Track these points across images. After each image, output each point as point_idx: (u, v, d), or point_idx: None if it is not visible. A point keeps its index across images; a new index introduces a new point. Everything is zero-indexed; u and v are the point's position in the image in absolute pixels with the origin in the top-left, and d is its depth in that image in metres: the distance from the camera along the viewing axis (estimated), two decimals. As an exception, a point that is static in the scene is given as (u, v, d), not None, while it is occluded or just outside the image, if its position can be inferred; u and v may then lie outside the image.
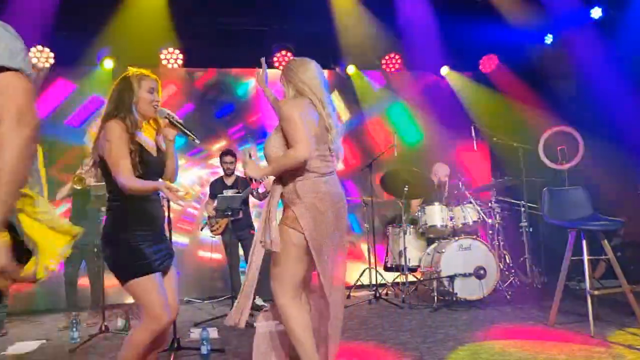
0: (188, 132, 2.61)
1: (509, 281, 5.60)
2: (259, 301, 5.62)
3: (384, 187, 5.86)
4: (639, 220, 5.60)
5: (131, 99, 2.49)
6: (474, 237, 5.42)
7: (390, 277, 6.17)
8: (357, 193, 7.04)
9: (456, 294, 5.12)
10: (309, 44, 6.81)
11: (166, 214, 2.67)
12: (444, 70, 7.50)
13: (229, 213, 4.95)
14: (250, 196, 5.74)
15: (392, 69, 7.27)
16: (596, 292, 3.87)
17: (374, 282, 5.97)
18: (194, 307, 6.12)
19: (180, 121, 2.62)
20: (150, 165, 2.50)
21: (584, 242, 3.85)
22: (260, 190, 5.72)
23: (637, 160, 5.69)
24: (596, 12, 6.32)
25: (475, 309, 5.01)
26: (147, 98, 2.53)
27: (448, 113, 7.56)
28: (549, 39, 6.99)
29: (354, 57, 7.10)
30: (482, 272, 5.19)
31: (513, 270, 5.74)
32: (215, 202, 5.18)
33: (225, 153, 5.81)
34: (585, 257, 3.85)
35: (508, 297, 5.29)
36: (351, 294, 6.08)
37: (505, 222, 5.98)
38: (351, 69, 7.25)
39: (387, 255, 6.13)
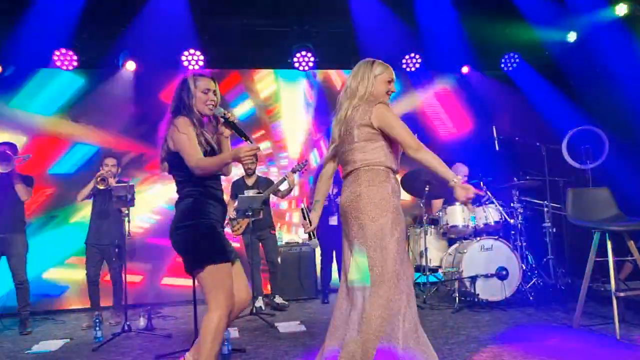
0: (242, 133, 2.72)
1: (531, 282, 5.51)
2: (279, 300, 5.64)
3: (405, 187, 5.83)
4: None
5: (190, 98, 2.68)
6: (496, 237, 5.36)
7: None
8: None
9: (478, 294, 5.07)
10: (330, 44, 6.83)
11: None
12: (465, 70, 7.42)
13: (250, 213, 4.98)
14: (271, 196, 5.76)
15: (412, 69, 7.22)
16: (622, 294, 3.79)
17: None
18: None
19: (235, 121, 2.76)
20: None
21: (609, 243, 3.78)
22: (283, 188, 5.73)
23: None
24: (621, 9, 6.19)
25: (497, 310, 4.96)
26: (202, 97, 2.70)
27: (469, 112, 7.49)
28: (572, 36, 6.87)
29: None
30: (504, 272, 5.13)
31: (536, 272, 5.66)
32: (236, 202, 5.21)
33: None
34: (611, 259, 3.78)
35: (531, 298, 5.21)
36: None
37: (528, 222, 5.89)
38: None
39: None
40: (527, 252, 5.70)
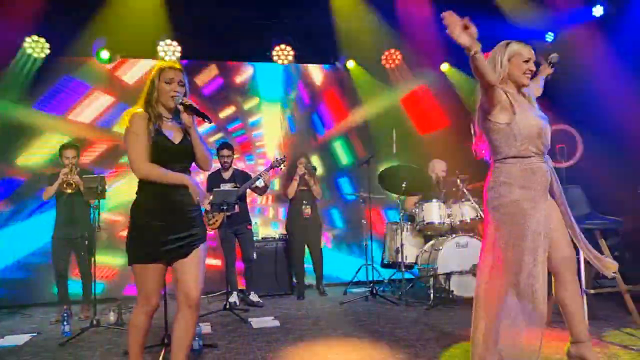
0: (200, 114, 2.62)
1: (505, 279, 5.55)
2: (254, 297, 5.59)
3: (382, 183, 5.82)
4: (638, 219, 5.56)
5: (152, 91, 2.61)
6: (472, 234, 5.38)
7: (387, 273, 6.14)
8: (355, 189, 6.99)
9: (452, 291, 5.09)
10: (309, 38, 6.77)
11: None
12: (444, 67, 7.44)
13: (225, 207, 4.91)
14: (248, 191, 5.69)
15: (392, 65, 7.22)
16: (592, 291, 3.84)
17: (370, 278, 5.94)
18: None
19: (192, 104, 2.63)
20: (170, 153, 2.60)
21: (581, 241, 3.80)
22: (260, 185, 5.68)
23: (637, 159, 5.64)
24: (597, 10, 6.27)
25: (471, 306, 4.96)
26: (164, 89, 2.61)
27: (448, 109, 7.52)
28: (549, 36, 6.94)
29: (353, 52, 7.04)
30: (478, 270, 5.15)
31: (510, 269, 5.69)
32: (211, 195, 5.14)
33: (221, 146, 5.75)
34: (582, 256, 3.79)
35: (505, 295, 5.25)
36: (348, 290, 6.05)
37: (503, 219, 5.92)
38: (351, 64, 7.19)
39: (384, 252, 6.09)
40: (501, 249, 5.73)
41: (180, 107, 2.61)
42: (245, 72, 7.08)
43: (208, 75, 6.96)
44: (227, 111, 7.01)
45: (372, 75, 7.34)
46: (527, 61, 2.67)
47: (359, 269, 6.14)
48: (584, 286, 3.79)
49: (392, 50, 7.12)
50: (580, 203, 4.23)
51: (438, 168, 6.14)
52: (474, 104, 2.74)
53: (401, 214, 5.69)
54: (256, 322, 4.63)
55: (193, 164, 2.74)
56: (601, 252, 3.95)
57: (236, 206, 5.37)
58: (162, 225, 2.57)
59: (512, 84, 2.71)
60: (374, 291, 5.61)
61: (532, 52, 2.70)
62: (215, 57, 6.94)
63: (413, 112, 7.53)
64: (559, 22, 6.66)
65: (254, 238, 5.95)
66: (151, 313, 2.65)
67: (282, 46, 6.73)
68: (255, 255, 5.78)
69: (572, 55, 6.42)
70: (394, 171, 5.66)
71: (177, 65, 2.68)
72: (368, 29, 6.46)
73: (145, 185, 2.59)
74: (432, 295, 5.15)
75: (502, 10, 6.48)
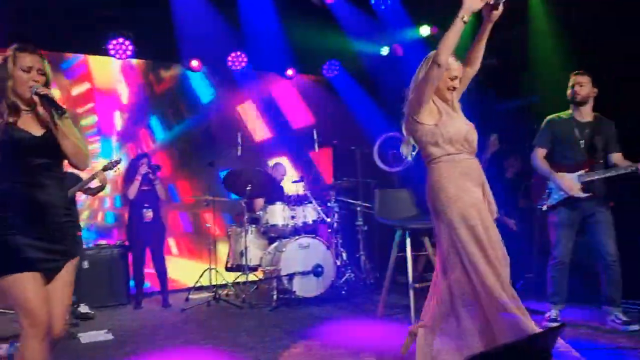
0: (54, 104, 2.28)
1: (345, 277, 5.85)
2: (83, 309, 5.13)
3: (227, 186, 5.76)
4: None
5: (5, 80, 2.28)
6: (313, 236, 5.57)
7: (231, 277, 6.08)
8: (199, 192, 6.80)
9: (295, 292, 5.21)
10: (151, 34, 6.42)
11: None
12: (290, 72, 7.61)
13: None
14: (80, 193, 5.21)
15: (238, 67, 7.18)
16: (417, 285, 4.20)
17: (214, 282, 5.82)
18: (6, 319, 5.37)
19: (46, 94, 2.29)
20: (28, 146, 2.25)
21: (408, 240, 4.16)
22: (93, 186, 5.23)
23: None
24: (424, 30, 6.92)
25: (313, 306, 5.15)
26: (21, 77, 2.29)
27: (293, 114, 7.70)
28: (385, 50, 7.48)
29: (198, 52, 6.85)
30: (320, 269, 5.36)
31: (349, 267, 6.02)
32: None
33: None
34: (409, 254, 4.16)
35: (343, 292, 5.54)
36: (189, 296, 5.85)
37: (343, 221, 6.25)
38: (195, 64, 6.99)
39: (228, 256, 6.03)
40: (341, 249, 6.04)
41: (36, 98, 2.28)
42: (79, 64, 6.49)
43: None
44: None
45: (217, 77, 7.23)
46: (453, 78, 2.75)
47: (202, 274, 5.98)
48: (410, 280, 4.14)
49: (238, 53, 7.09)
50: (409, 205, 4.63)
51: (279, 172, 6.27)
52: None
53: (246, 217, 5.68)
54: (86, 337, 4.25)
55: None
56: (424, 251, 4.39)
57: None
58: (23, 227, 2.19)
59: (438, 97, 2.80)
60: (217, 296, 5.51)
61: (461, 70, 2.78)
62: (45, 46, 6.21)
63: (258, 115, 7.56)
64: (392, 37, 7.21)
65: (85, 245, 5.47)
66: (44, 336, 2.17)
67: (120, 40, 6.30)
68: (86, 264, 5.32)
69: (403, 69, 7.02)
70: (238, 174, 5.63)
71: (35, 51, 2.34)
72: (211, 29, 6.33)
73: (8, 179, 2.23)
74: (275, 296, 5.22)
75: (342, 24, 6.83)
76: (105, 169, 5.10)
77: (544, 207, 3.93)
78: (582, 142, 3.82)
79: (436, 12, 6.45)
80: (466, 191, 2.62)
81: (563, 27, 5.34)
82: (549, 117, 3.99)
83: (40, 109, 2.31)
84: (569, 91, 3.88)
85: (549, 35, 5.52)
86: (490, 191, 2.74)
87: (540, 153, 3.93)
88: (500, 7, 2.62)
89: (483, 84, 6.31)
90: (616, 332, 3.61)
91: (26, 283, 2.16)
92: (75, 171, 5.45)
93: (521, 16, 5.69)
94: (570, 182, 3.75)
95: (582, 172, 3.78)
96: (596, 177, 3.73)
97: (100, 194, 5.43)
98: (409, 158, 2.99)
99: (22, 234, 2.18)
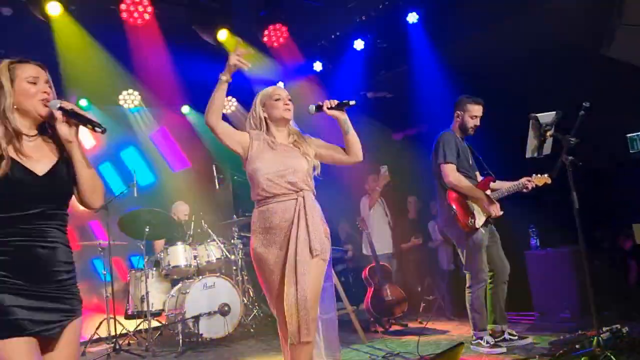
0: (88, 121, 1.88)
1: (252, 314, 5.77)
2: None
3: (123, 229, 5.49)
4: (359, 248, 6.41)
5: (4, 98, 1.83)
6: (218, 274, 5.45)
7: (132, 325, 5.74)
8: (94, 237, 6.41)
9: (201, 334, 5.04)
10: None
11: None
12: (185, 109, 7.51)
13: None
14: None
15: (131, 105, 6.97)
16: (325, 316, 4.24)
17: (113, 333, 5.46)
18: None
19: (74, 108, 1.89)
20: (28, 191, 1.81)
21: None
22: None
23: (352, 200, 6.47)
24: (317, 66, 7.20)
25: (221, 347, 5.01)
26: (27, 90, 1.85)
27: (191, 152, 7.58)
28: (281, 85, 7.66)
29: (86, 91, 6.56)
30: (226, 308, 5.23)
31: (256, 303, 5.95)
32: None
33: None
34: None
35: (252, 330, 5.45)
36: (86, 350, 5.42)
37: (248, 257, 6.18)
38: (84, 103, 6.67)
39: (128, 302, 5.70)
40: (248, 286, 5.96)
41: (59, 115, 1.86)
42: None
43: None
44: None
45: (110, 115, 6.95)
46: (277, 99, 2.81)
47: (99, 325, 5.59)
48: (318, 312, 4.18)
49: (130, 91, 6.89)
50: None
51: (181, 211, 6.12)
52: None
53: (145, 260, 5.44)
54: None
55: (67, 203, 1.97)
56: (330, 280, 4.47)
57: None
58: (16, 286, 1.79)
59: (274, 125, 2.81)
60: (118, 346, 5.17)
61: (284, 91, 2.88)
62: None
63: (154, 153, 7.36)
64: (287, 74, 7.41)
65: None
66: None
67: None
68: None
69: (299, 102, 7.22)
70: (136, 215, 5.40)
71: (36, 62, 1.94)
72: (101, 67, 6.08)
73: None
74: (181, 341, 5.01)
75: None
76: None
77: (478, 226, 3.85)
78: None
79: (328, 49, 6.77)
80: (260, 244, 2.68)
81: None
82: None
83: (64, 128, 1.88)
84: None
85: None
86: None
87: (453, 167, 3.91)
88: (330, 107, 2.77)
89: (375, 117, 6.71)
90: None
91: (16, 349, 1.77)
92: None
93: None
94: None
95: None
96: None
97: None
98: None
99: (15, 294, 1.79)
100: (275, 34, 5.50)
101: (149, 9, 4.61)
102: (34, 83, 1.88)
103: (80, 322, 1.96)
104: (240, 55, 2.61)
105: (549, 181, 3.79)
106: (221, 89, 2.63)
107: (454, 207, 3.86)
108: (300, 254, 2.53)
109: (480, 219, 3.85)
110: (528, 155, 3.57)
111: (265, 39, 5.52)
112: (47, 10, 4.33)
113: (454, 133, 4.03)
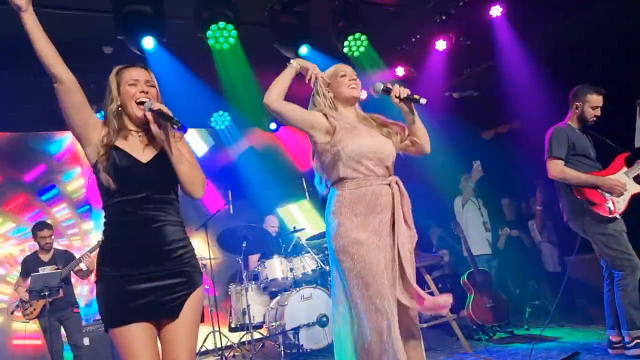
0: (169, 119, 1.98)
1: (350, 324, 5.75)
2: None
3: (221, 244, 5.74)
4: (457, 254, 6.20)
5: (110, 100, 2.07)
6: (314, 285, 5.51)
7: (236, 337, 5.95)
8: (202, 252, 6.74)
9: (302, 345, 5.11)
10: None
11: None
12: (273, 125, 7.71)
13: (46, 293, 4.37)
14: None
15: (222, 126, 7.27)
16: (424, 325, 4.15)
17: (219, 345, 5.69)
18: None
19: (159, 109, 2.01)
20: (129, 173, 1.99)
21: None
22: (84, 269, 5.17)
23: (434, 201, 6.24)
24: (400, 71, 7.04)
25: (321, 357, 5.05)
26: (128, 92, 2.05)
27: (278, 165, 7.76)
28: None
29: (178, 115, 6.93)
30: (324, 319, 5.27)
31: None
32: (29, 281, 4.54)
33: (40, 227, 5.14)
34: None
35: (351, 340, 5.42)
36: (196, 362, 5.70)
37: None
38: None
39: (230, 315, 5.92)
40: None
41: (149, 115, 2.00)
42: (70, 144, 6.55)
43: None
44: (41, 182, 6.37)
45: (203, 138, 7.31)
46: (343, 76, 2.62)
47: (205, 338, 5.85)
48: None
49: (221, 112, 7.19)
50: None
51: (271, 224, 6.27)
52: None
53: (244, 274, 5.63)
54: None
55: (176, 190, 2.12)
56: (428, 287, 4.36)
57: (60, 290, 4.81)
58: (131, 269, 1.93)
59: (342, 104, 2.62)
60: (224, 358, 5.38)
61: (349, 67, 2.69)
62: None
63: (247, 171, 7.61)
64: (370, 82, 7.36)
65: (84, 322, 5.36)
66: None
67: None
68: (87, 340, 5.19)
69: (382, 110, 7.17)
70: (233, 232, 5.62)
71: (141, 65, 2.13)
72: (193, 93, 6.42)
73: (110, 217, 2.01)
74: (282, 352, 5.11)
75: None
76: (92, 249, 5.06)
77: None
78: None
79: (409, 53, 6.65)
80: (356, 227, 2.36)
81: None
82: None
83: (154, 128, 2.01)
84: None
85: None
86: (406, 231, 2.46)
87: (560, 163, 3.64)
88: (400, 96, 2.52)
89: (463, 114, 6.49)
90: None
91: (136, 335, 1.90)
92: (68, 250, 5.45)
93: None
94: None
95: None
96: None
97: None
98: None
99: (128, 281, 1.93)
100: (355, 44, 5.50)
101: (234, 32, 4.78)
102: (134, 85, 2.06)
103: (202, 292, 2.07)
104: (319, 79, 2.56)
105: None
106: (288, 72, 2.51)
107: (588, 197, 3.52)
108: (401, 246, 2.38)
109: (619, 203, 3.50)
110: (637, 144, 3.28)
111: (345, 49, 5.53)
112: (143, 44, 4.64)
113: (567, 126, 3.72)
